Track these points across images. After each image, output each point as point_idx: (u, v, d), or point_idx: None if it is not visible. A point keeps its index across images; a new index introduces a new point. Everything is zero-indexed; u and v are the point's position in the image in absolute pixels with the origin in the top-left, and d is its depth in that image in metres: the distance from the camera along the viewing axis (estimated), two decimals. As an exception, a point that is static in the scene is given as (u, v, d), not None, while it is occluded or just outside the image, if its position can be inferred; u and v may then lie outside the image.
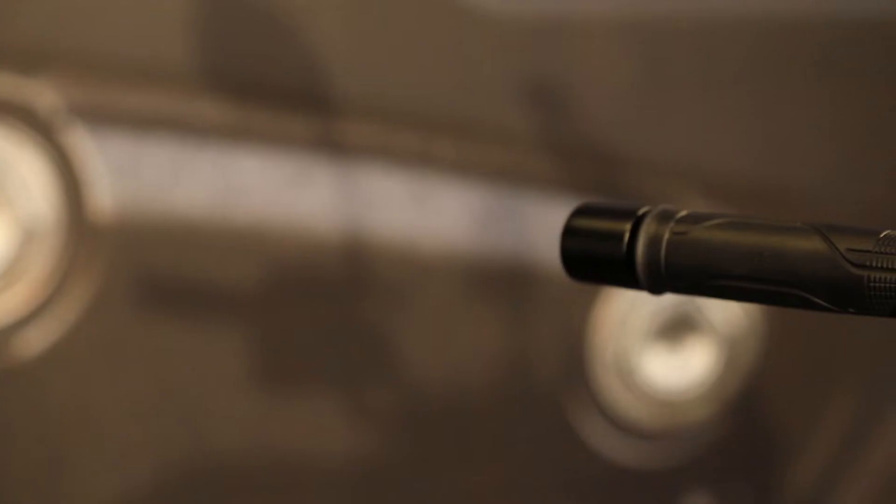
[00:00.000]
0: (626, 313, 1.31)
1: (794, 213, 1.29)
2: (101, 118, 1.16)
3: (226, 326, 1.21)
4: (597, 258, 0.69)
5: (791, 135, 1.32)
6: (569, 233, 0.70)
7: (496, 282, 1.27)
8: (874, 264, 0.60)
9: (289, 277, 1.22)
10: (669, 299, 1.29)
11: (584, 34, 1.26)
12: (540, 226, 1.26)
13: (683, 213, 0.67)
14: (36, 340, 1.17)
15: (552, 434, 1.31)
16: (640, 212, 0.68)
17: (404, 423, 1.27)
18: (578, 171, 1.28)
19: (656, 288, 0.68)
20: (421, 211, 1.24)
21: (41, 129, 1.16)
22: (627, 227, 0.68)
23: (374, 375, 1.26)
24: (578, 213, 0.71)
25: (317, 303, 1.24)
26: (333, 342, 1.25)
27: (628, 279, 0.68)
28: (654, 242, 0.67)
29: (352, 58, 1.21)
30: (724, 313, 1.32)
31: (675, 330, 1.32)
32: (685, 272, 0.66)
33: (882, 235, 0.61)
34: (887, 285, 0.60)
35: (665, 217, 0.67)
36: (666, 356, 1.32)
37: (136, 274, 1.18)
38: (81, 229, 1.17)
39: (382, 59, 1.22)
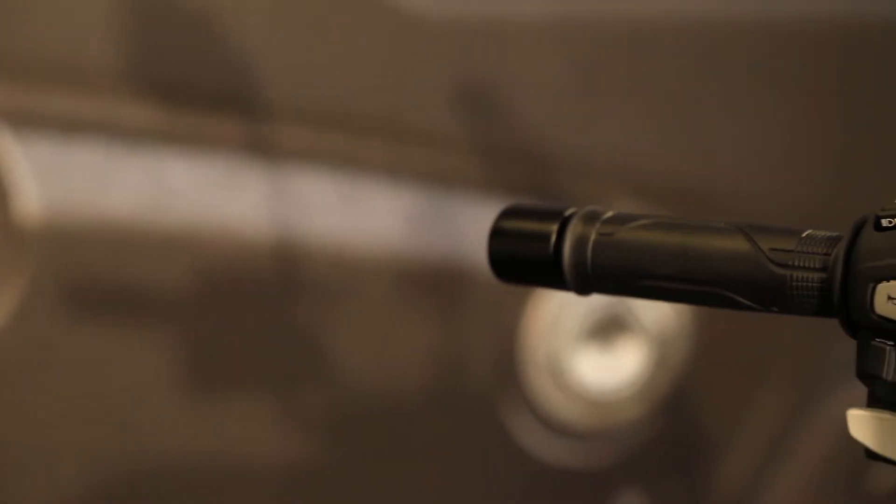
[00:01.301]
0: (557, 314, 1.31)
1: (721, 213, 1.29)
2: (27, 122, 1.15)
3: (156, 330, 1.20)
4: (524, 259, 0.69)
5: (719, 136, 1.33)
6: (496, 234, 0.70)
7: (428, 284, 1.27)
8: (796, 264, 0.61)
9: (220, 280, 1.21)
10: (600, 300, 1.30)
11: (514, 37, 1.26)
12: (471, 227, 1.26)
13: (610, 213, 0.68)
14: (-37, 346, 1.16)
15: (485, 435, 1.31)
16: (567, 213, 0.68)
17: (337, 425, 1.27)
18: (509, 173, 1.28)
19: (583, 289, 0.68)
20: (352, 213, 1.24)
21: (-34, 133, 1.14)
22: (554, 228, 0.68)
23: (307, 378, 1.26)
24: (505, 214, 0.71)
25: (248, 306, 1.24)
26: (265, 345, 1.25)
27: (555, 280, 0.68)
28: (580, 243, 0.67)
29: (282, 59, 1.20)
30: (655, 313, 1.33)
31: (607, 330, 1.33)
32: (611, 273, 0.67)
33: (804, 235, 0.62)
34: (809, 284, 0.60)
35: (591, 218, 0.67)
36: (597, 356, 1.33)
37: (65, 278, 1.17)
38: (8, 233, 1.15)
39: (313, 61, 1.21)
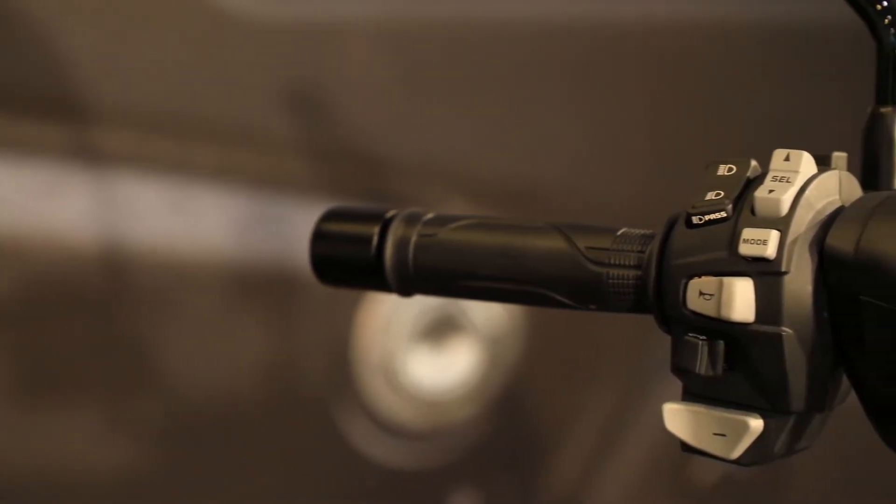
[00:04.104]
0: (390, 315, 1.31)
1: (545, 213, 1.31)
2: None
3: (-19, 340, 1.18)
4: (345, 262, 0.69)
5: (543, 138, 1.35)
6: (317, 238, 0.71)
7: (259, 287, 1.27)
8: (612, 262, 0.62)
9: (46, 289, 1.19)
10: (433, 301, 1.30)
11: (342, 39, 1.26)
12: (301, 230, 1.25)
13: (431, 215, 0.68)
14: None
15: (319, 438, 1.31)
16: (388, 215, 0.68)
17: (168, 431, 1.26)
18: (340, 176, 1.28)
19: (405, 290, 0.69)
20: (180, 218, 1.23)
21: None
22: (375, 230, 0.68)
23: (136, 386, 1.24)
24: (327, 218, 0.71)
25: (76, 314, 1.22)
26: (94, 353, 1.23)
27: (378, 282, 0.68)
28: (402, 245, 0.67)
29: (106, 62, 1.19)
30: (487, 314, 1.34)
31: (439, 331, 1.33)
32: (433, 274, 0.67)
33: (619, 233, 0.63)
34: (625, 282, 0.61)
35: (412, 220, 0.68)
36: (430, 357, 1.33)
37: None
38: None
39: (138, 64, 1.20)
